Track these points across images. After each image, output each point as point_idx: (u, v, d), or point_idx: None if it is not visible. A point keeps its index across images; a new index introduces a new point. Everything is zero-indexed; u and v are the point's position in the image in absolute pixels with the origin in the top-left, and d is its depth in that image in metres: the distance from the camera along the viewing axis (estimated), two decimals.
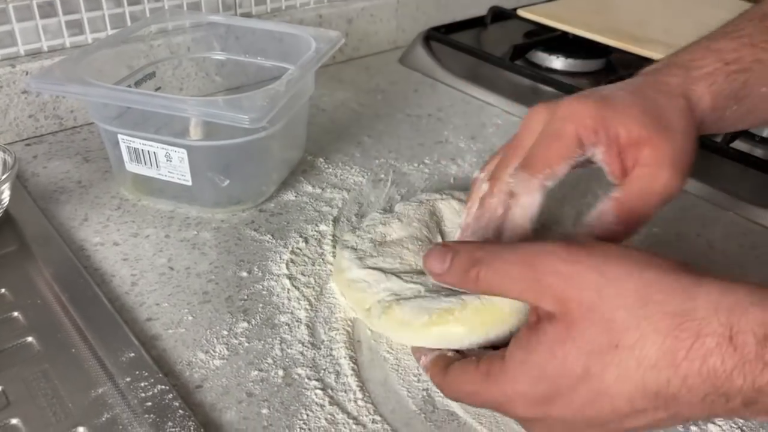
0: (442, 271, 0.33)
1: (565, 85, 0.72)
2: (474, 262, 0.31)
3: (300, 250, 0.50)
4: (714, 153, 0.59)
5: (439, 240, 0.46)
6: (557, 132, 0.37)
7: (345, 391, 0.38)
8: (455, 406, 0.37)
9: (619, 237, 0.36)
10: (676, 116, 0.36)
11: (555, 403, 0.29)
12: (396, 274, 0.42)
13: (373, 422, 0.36)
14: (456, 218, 0.47)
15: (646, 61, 0.73)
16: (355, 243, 0.45)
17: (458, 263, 0.32)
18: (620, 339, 0.26)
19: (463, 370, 0.33)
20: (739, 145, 0.59)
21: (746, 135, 0.62)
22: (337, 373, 0.39)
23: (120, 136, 0.50)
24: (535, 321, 0.30)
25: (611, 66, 0.81)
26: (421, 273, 0.42)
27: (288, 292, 0.45)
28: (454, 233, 0.47)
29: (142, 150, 0.50)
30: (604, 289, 0.27)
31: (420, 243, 0.45)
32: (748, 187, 0.57)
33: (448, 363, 0.34)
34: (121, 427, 0.35)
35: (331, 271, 0.47)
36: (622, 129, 0.36)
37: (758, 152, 0.60)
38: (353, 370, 0.39)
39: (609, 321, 0.27)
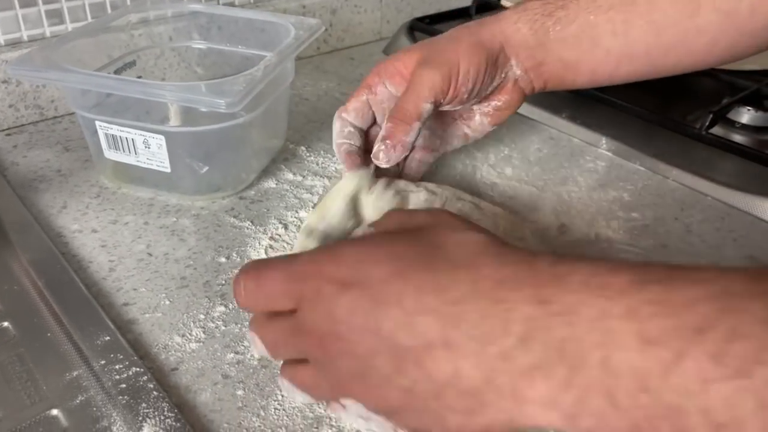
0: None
1: None
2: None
3: (279, 236, 0.50)
4: (692, 138, 0.59)
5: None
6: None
7: None
8: None
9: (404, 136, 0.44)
10: (451, 43, 0.46)
11: (351, 281, 0.27)
12: None
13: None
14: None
15: None
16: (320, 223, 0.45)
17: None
18: (445, 243, 0.28)
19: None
20: (717, 130, 0.60)
21: (725, 121, 0.62)
22: None
23: (98, 123, 0.50)
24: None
25: None
26: None
27: None
28: None
29: (120, 137, 0.50)
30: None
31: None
32: (725, 171, 0.57)
33: None
34: (95, 408, 0.35)
35: None
36: (400, 63, 0.47)
37: (736, 138, 0.61)
38: None
39: (447, 232, 0.28)
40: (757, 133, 0.62)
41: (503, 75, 0.48)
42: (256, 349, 0.32)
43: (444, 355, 0.25)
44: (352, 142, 0.49)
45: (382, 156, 0.45)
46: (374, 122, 0.51)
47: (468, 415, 0.25)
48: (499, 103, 0.49)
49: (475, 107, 0.51)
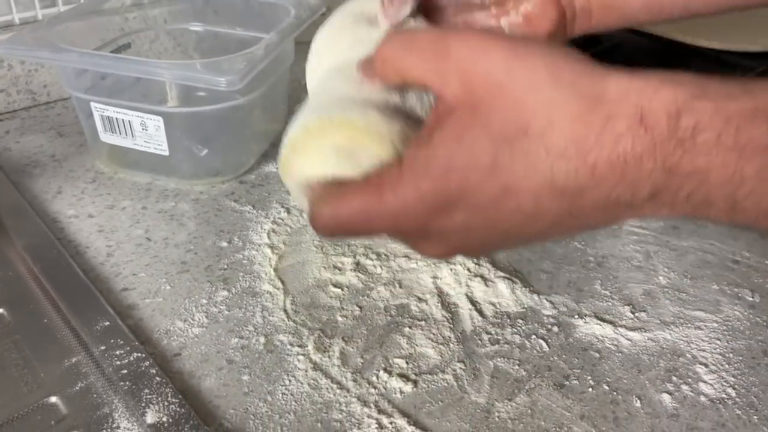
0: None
1: None
2: (388, 37, 0.27)
3: (282, 220, 0.48)
4: None
5: None
6: None
7: (329, 357, 0.37)
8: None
9: None
10: None
11: (458, 206, 0.25)
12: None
13: (356, 386, 0.35)
14: None
15: (633, 32, 0.72)
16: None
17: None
18: (530, 123, 0.24)
19: (348, 190, 0.27)
20: None
21: None
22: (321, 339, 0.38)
23: (93, 105, 0.48)
24: (436, 118, 0.26)
25: (596, 38, 0.80)
26: None
27: (270, 261, 0.44)
28: None
29: (117, 119, 0.48)
30: (514, 66, 0.24)
31: None
32: None
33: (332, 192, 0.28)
34: (95, 395, 0.34)
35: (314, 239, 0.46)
36: None
37: None
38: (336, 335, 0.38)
39: (518, 102, 0.24)
40: None
41: None
42: None
43: (570, 219, 0.25)
44: None
45: (380, 17, 0.36)
46: None
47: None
48: (528, 7, 0.38)
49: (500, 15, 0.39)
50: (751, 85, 0.22)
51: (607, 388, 0.36)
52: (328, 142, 0.28)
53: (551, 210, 0.24)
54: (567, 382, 0.36)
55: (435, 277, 0.43)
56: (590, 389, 0.36)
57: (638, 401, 0.35)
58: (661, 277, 0.44)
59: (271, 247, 0.45)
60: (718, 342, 0.39)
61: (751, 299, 0.42)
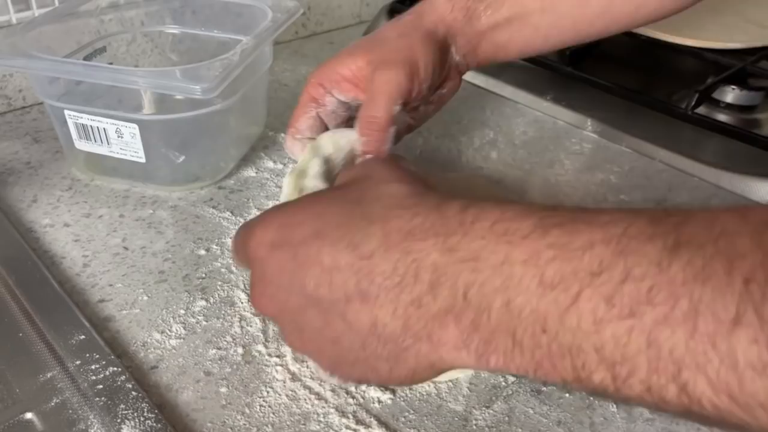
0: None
1: (531, 58, 0.71)
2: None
3: None
4: (678, 119, 0.59)
5: None
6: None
7: (307, 367, 0.37)
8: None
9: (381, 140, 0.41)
10: (395, 34, 0.43)
11: (281, 243, 0.29)
12: None
13: (334, 396, 0.35)
14: None
15: None
16: (332, 153, 0.42)
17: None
18: (364, 197, 0.29)
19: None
20: (702, 110, 0.59)
21: (710, 101, 0.62)
22: None
23: (67, 112, 0.48)
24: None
25: None
26: None
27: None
28: None
29: (91, 126, 0.48)
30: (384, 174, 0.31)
31: None
32: (712, 151, 0.57)
33: None
34: (71, 411, 0.34)
35: None
36: (345, 69, 0.43)
37: (722, 117, 0.60)
38: None
39: (370, 186, 0.30)
40: (741, 112, 0.62)
41: (448, 63, 0.46)
42: None
43: (362, 307, 0.27)
44: None
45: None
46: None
47: (394, 362, 0.27)
48: (443, 91, 0.48)
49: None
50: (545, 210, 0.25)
51: (583, 393, 0.36)
52: None
53: (343, 267, 0.27)
54: (544, 388, 0.36)
55: None
56: (567, 395, 0.36)
57: (614, 406, 0.36)
58: None
59: None
60: None
61: None
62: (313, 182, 0.40)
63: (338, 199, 0.31)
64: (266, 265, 0.30)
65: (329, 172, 0.41)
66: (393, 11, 0.82)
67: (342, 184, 0.33)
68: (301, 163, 0.42)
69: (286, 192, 0.40)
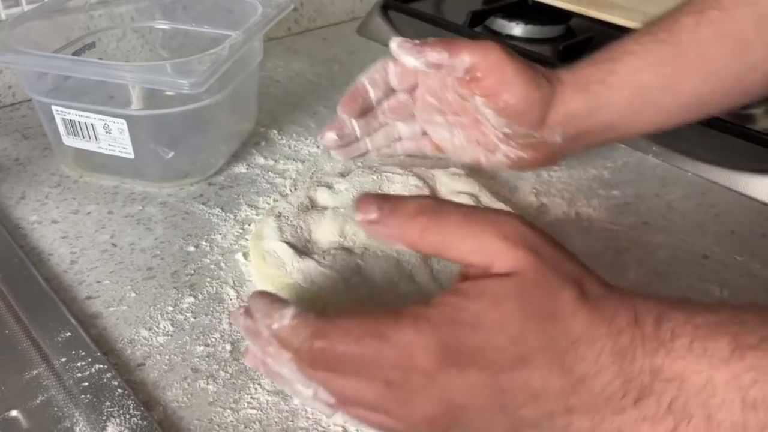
0: (377, 218, 0.28)
1: (525, 52, 0.71)
2: (421, 209, 0.28)
3: (251, 222, 0.48)
4: None
5: None
6: None
7: None
8: None
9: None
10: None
11: (473, 364, 0.26)
12: (309, 254, 0.41)
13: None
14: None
15: (605, 25, 0.72)
16: (283, 209, 0.44)
17: (400, 210, 0.28)
18: (559, 311, 0.26)
19: (348, 318, 0.27)
20: None
21: None
22: None
23: (54, 108, 0.47)
24: (477, 275, 0.27)
25: (571, 31, 0.80)
26: (342, 249, 0.41)
27: (238, 266, 0.43)
28: None
29: (79, 122, 0.47)
30: (557, 259, 0.28)
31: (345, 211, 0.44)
32: (705, 147, 0.56)
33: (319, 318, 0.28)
34: (56, 408, 0.33)
35: None
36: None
37: None
38: None
39: (556, 291, 0.26)
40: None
41: (541, 133, 0.44)
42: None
43: (563, 417, 0.26)
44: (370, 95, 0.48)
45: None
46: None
47: None
48: (524, 156, 0.45)
49: (501, 143, 0.45)
50: (711, 305, 0.27)
51: None
52: None
53: (553, 391, 0.26)
54: None
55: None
56: None
57: None
58: (631, 273, 0.44)
59: (240, 250, 0.45)
60: None
61: (719, 295, 0.43)
62: (271, 244, 0.41)
63: (529, 312, 0.26)
64: (451, 388, 0.26)
65: (281, 229, 0.42)
66: (386, 7, 0.82)
67: (503, 272, 0.27)
68: (258, 227, 0.44)
69: (252, 260, 0.43)
